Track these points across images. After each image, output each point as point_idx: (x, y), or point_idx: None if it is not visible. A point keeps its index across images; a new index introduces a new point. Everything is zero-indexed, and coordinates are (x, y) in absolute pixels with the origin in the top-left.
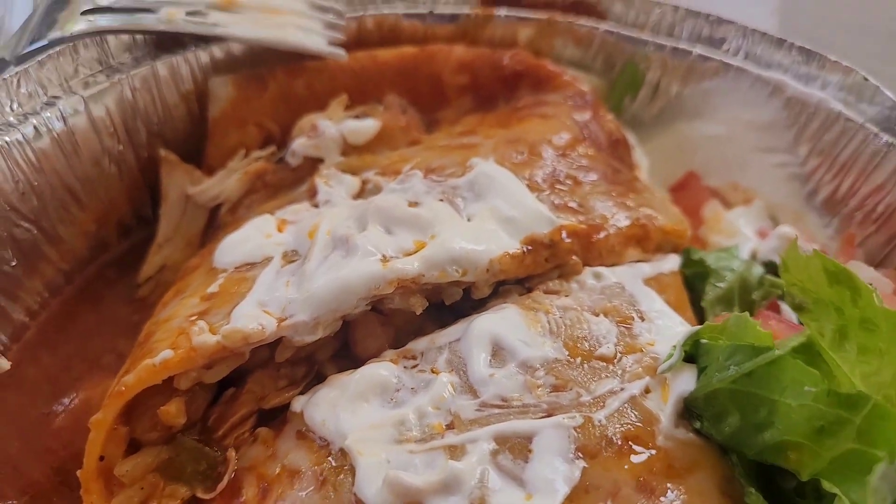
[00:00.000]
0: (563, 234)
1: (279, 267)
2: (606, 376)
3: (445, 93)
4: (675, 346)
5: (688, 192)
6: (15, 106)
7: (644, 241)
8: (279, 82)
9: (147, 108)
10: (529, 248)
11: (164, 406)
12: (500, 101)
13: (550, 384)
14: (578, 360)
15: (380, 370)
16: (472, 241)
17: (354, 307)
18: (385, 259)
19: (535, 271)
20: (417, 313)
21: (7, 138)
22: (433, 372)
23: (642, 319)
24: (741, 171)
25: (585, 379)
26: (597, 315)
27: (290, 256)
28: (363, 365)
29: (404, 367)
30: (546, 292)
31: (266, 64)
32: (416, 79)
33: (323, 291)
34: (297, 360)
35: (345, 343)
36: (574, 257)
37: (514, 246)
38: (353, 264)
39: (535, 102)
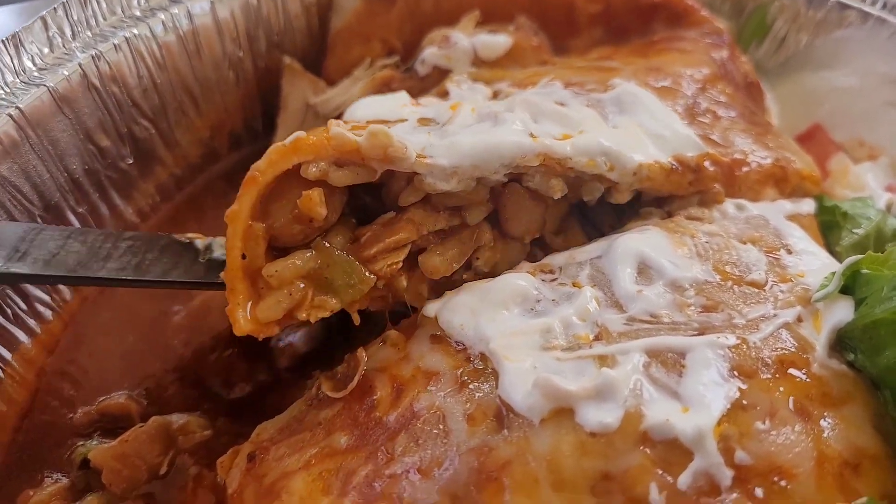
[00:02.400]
0: (708, 163)
1: (415, 125)
2: (758, 301)
3: (577, 20)
4: (828, 277)
5: (813, 144)
6: (143, 0)
7: (782, 182)
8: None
9: (270, 16)
10: (677, 165)
11: (305, 192)
12: (632, 34)
13: (701, 304)
14: (729, 283)
15: (517, 280)
16: (621, 143)
17: (494, 172)
18: (534, 136)
19: (677, 191)
20: (555, 197)
21: (135, 31)
22: (575, 286)
23: (789, 252)
24: (869, 126)
25: (737, 302)
26: (744, 243)
27: (427, 122)
28: (513, 240)
29: (542, 279)
30: (688, 218)
31: None
32: (547, 3)
33: (467, 146)
34: (454, 210)
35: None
36: (716, 185)
37: (663, 158)
38: (501, 131)
39: (671, 37)
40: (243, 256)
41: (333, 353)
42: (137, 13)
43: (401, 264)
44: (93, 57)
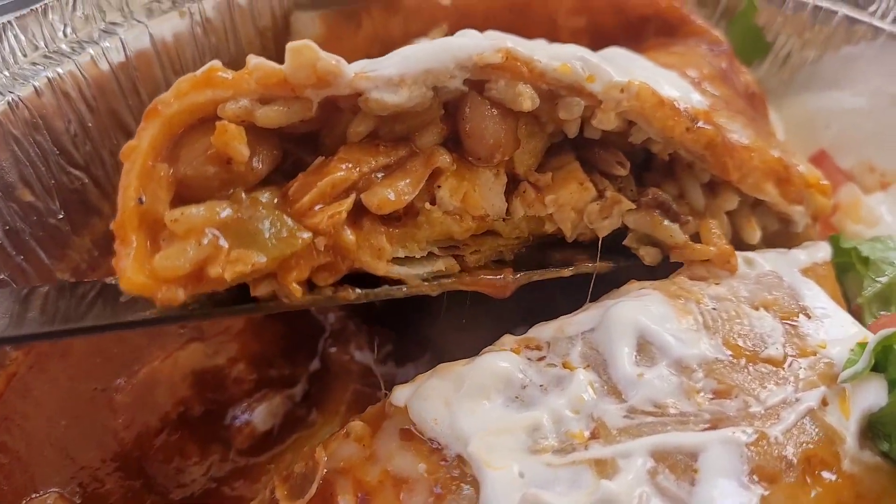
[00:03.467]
0: (703, 122)
1: None
2: (777, 383)
3: (559, 37)
4: (853, 350)
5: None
6: (69, 31)
7: (785, 182)
8: (374, 21)
9: (219, 43)
10: (677, 103)
11: (220, 123)
12: (621, 46)
13: (712, 389)
14: (742, 361)
15: (499, 361)
16: (608, 62)
17: (450, 75)
18: None
19: (671, 135)
20: (524, 108)
21: (60, 70)
22: (566, 367)
23: (808, 317)
24: (879, 151)
25: (752, 385)
26: (756, 309)
27: None
28: (479, 163)
29: (528, 358)
30: (692, 278)
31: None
32: (526, 19)
33: (417, 50)
34: (398, 140)
35: (455, 146)
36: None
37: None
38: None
39: (663, 43)
40: (140, 200)
41: (296, 427)
42: (63, 47)
43: (344, 215)
44: (9, 103)
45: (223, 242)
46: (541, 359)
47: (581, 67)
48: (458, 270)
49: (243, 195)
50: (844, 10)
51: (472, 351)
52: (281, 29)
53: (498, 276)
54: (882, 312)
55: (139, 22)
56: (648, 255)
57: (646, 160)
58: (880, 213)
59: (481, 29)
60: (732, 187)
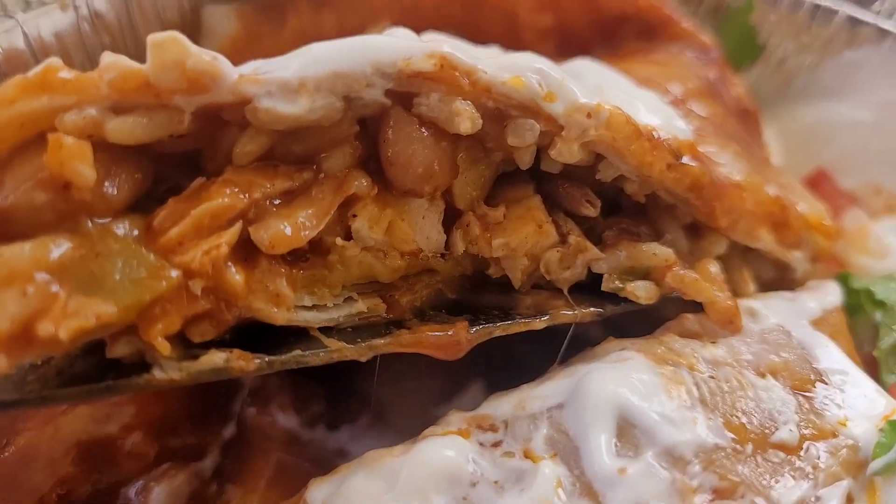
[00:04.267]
0: (690, 157)
1: None
2: (791, 475)
3: (521, 35)
4: (884, 430)
5: (819, 194)
6: None
7: (782, 226)
8: (301, 16)
9: (114, 42)
10: (653, 133)
11: (53, 135)
12: (593, 50)
13: (711, 487)
14: (748, 447)
15: (443, 450)
16: (574, 78)
17: (366, 82)
18: None
19: (647, 173)
20: (462, 130)
21: None
22: (527, 457)
23: (825, 383)
24: (887, 170)
25: (762, 480)
26: (763, 376)
27: None
28: (404, 196)
29: (480, 443)
30: (683, 335)
31: None
32: (482, 15)
33: (323, 47)
34: (303, 162)
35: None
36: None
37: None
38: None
39: (643, 48)
40: None
41: None
42: None
43: (225, 249)
44: None
45: (57, 289)
46: (496, 444)
47: (538, 82)
48: (384, 312)
49: (89, 225)
50: (846, 9)
51: (420, 410)
52: (191, 25)
53: (447, 332)
54: None
55: (9, 17)
56: (642, 292)
57: (612, 196)
58: (890, 242)
59: (430, 27)
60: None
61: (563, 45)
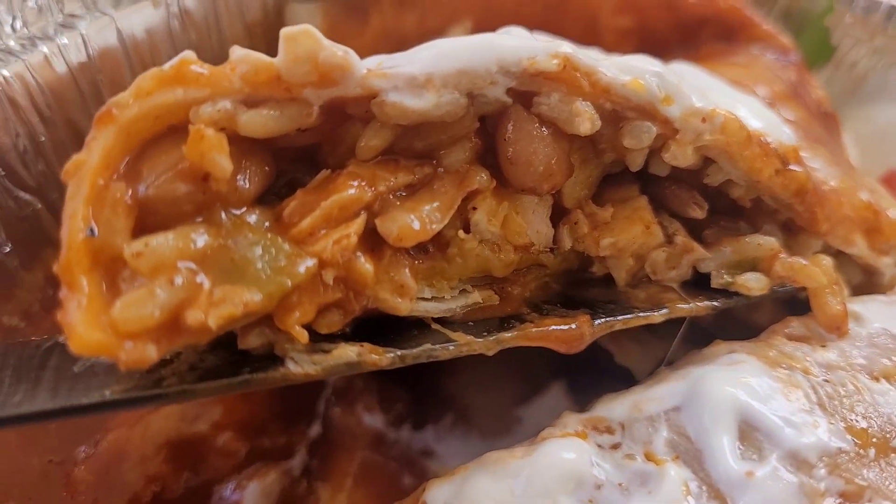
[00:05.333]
0: (796, 164)
1: None
2: None
3: (602, 36)
4: None
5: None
6: (18, 25)
7: (874, 232)
8: (385, 15)
9: (200, 39)
10: (765, 139)
11: (195, 128)
12: (672, 52)
13: (838, 490)
14: (871, 452)
15: (564, 452)
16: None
17: (490, 81)
18: None
19: (758, 178)
20: (581, 131)
21: (6, 72)
22: (650, 459)
23: None
24: None
25: (888, 484)
26: (877, 380)
27: None
28: (523, 194)
29: (599, 445)
30: (790, 338)
31: None
32: (562, 16)
33: (449, 45)
34: (423, 157)
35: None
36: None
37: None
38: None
39: (722, 50)
40: (91, 232)
41: None
42: (11, 44)
43: (354, 239)
44: None
45: (202, 279)
46: (615, 446)
47: (657, 85)
48: (497, 302)
49: (223, 216)
50: None
51: (502, 410)
52: (273, 24)
53: (571, 326)
54: None
55: (104, 14)
56: (754, 283)
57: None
58: None
59: (512, 24)
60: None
61: (643, 47)
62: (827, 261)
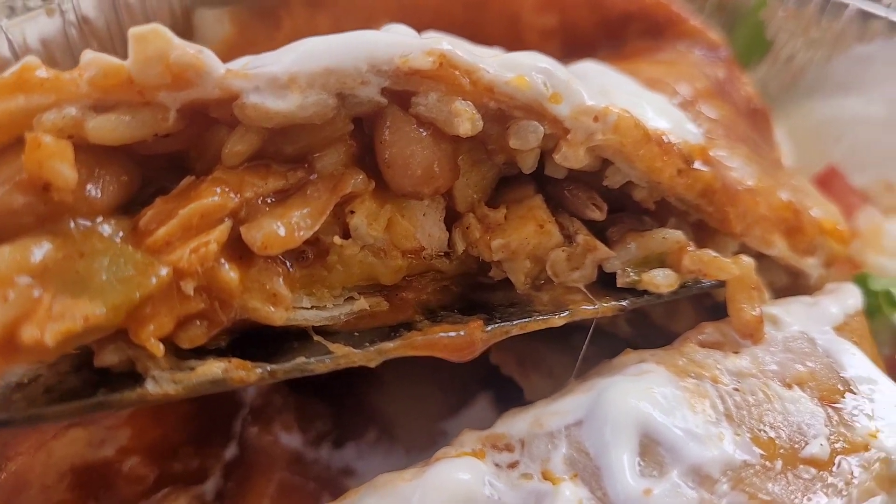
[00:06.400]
0: (701, 162)
1: None
2: (823, 492)
3: (524, 36)
4: None
5: (830, 192)
6: None
7: (795, 232)
8: (296, 18)
9: (103, 48)
10: (663, 138)
11: (31, 135)
12: (598, 50)
13: None
14: (778, 464)
15: (458, 473)
16: (580, 80)
17: (361, 79)
18: None
19: (658, 179)
20: (461, 132)
21: None
22: (546, 478)
23: (853, 393)
24: None
25: (793, 497)
26: (789, 387)
27: None
28: (407, 195)
29: (496, 464)
30: (703, 345)
31: None
32: (484, 16)
33: (315, 42)
34: (295, 161)
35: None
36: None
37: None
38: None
39: (648, 47)
40: None
41: None
42: None
43: (214, 247)
44: None
45: (39, 292)
46: (513, 465)
47: (543, 82)
48: (386, 308)
49: (72, 225)
50: (856, 2)
51: (428, 424)
52: (183, 30)
53: (460, 332)
54: None
55: None
56: (661, 280)
57: (616, 197)
58: None
59: (430, 28)
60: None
61: (568, 46)
62: (747, 260)
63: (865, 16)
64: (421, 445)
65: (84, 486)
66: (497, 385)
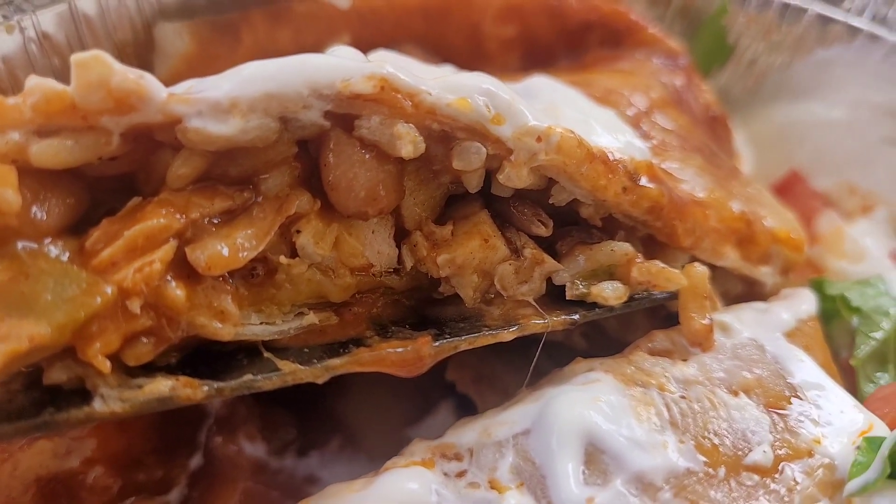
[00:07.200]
0: (647, 179)
1: None
2: (766, 499)
3: (485, 46)
4: (860, 448)
5: (792, 197)
6: None
7: (748, 243)
8: (257, 32)
9: (64, 64)
10: (608, 156)
11: None
12: (559, 59)
13: None
14: (721, 471)
15: (407, 482)
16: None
17: (303, 104)
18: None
19: (603, 197)
20: (403, 154)
21: None
22: (493, 487)
23: (800, 399)
24: (861, 170)
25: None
26: (735, 394)
27: None
28: (352, 215)
29: (445, 473)
30: (652, 353)
31: (238, 7)
32: (444, 27)
33: (261, 66)
34: (240, 183)
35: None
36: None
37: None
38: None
39: (607, 56)
40: None
41: None
42: None
43: (158, 266)
44: None
45: None
46: (461, 474)
47: (485, 104)
48: (336, 322)
49: (19, 247)
50: (816, 7)
51: (392, 432)
52: (143, 44)
53: (408, 348)
54: (878, 374)
55: None
56: (609, 292)
57: (565, 214)
58: (866, 245)
59: (391, 41)
60: None
61: (528, 56)
62: (701, 269)
63: (825, 20)
64: (384, 453)
65: (48, 497)
66: (459, 393)
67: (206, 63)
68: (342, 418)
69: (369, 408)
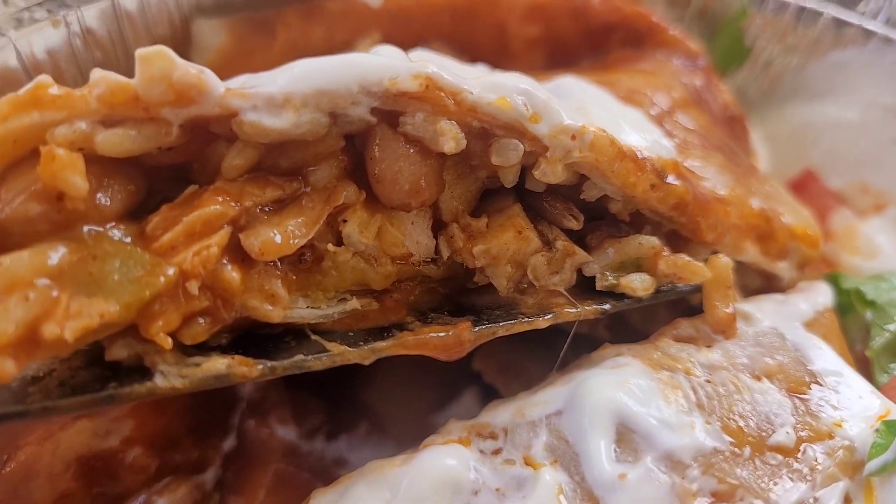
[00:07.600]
0: (674, 177)
1: None
2: (789, 477)
3: (510, 46)
4: (879, 431)
5: (806, 195)
6: None
7: (767, 238)
8: (291, 29)
9: (106, 58)
10: (637, 153)
11: (46, 148)
12: (582, 59)
13: (711, 490)
14: (746, 451)
15: (445, 458)
16: (560, 97)
17: (352, 101)
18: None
19: (632, 193)
20: (446, 150)
21: None
22: (528, 464)
23: (819, 385)
24: (873, 169)
25: (761, 483)
26: (758, 379)
27: None
28: (396, 207)
29: (481, 451)
30: (678, 339)
31: (273, 4)
32: (472, 26)
33: (309, 64)
34: (290, 174)
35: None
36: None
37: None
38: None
39: (629, 57)
40: None
41: None
42: None
43: (215, 250)
44: None
45: (58, 293)
46: (496, 451)
47: (524, 103)
48: (376, 308)
49: (85, 232)
50: (831, 10)
51: (417, 418)
52: (181, 39)
53: (449, 333)
54: (892, 364)
55: (1, 35)
56: (637, 283)
57: (594, 209)
58: (879, 242)
59: (419, 39)
60: None
61: (552, 55)
62: (725, 260)
63: (840, 23)
64: (410, 437)
65: (89, 475)
66: (482, 381)
67: (241, 58)
68: (369, 405)
69: (395, 395)
